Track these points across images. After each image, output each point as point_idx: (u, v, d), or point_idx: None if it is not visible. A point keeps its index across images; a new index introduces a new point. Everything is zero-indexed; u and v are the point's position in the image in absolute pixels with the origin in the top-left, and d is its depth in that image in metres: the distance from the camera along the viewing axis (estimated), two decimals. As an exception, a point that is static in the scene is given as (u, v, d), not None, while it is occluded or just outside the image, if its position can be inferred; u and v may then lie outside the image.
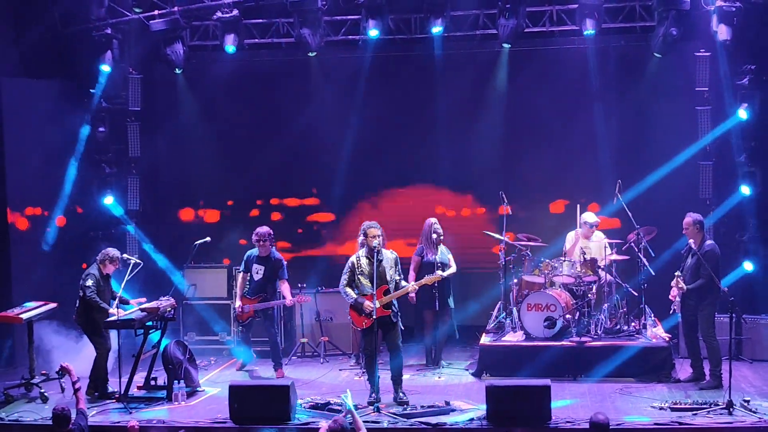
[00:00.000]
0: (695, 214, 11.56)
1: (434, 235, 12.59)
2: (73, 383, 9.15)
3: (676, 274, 11.38)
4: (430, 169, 14.85)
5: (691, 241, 11.40)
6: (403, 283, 11.15)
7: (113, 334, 11.64)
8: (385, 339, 11.12)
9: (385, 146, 14.88)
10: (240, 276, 12.63)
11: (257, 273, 12.48)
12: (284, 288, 12.57)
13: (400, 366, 11.13)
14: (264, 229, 12.51)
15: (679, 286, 11.32)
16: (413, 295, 11.77)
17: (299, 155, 15.01)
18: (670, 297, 11.54)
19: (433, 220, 12.78)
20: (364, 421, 8.95)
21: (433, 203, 14.84)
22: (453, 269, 12.58)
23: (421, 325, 12.88)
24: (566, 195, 14.51)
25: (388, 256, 11.12)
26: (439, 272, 11.86)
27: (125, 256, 12.19)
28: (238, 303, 12.51)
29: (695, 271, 11.36)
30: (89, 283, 11.60)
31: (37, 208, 14.17)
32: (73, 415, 8.83)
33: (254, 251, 12.55)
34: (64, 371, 9.34)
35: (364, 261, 11.08)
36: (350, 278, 11.13)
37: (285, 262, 12.65)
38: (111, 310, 11.43)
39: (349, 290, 11.11)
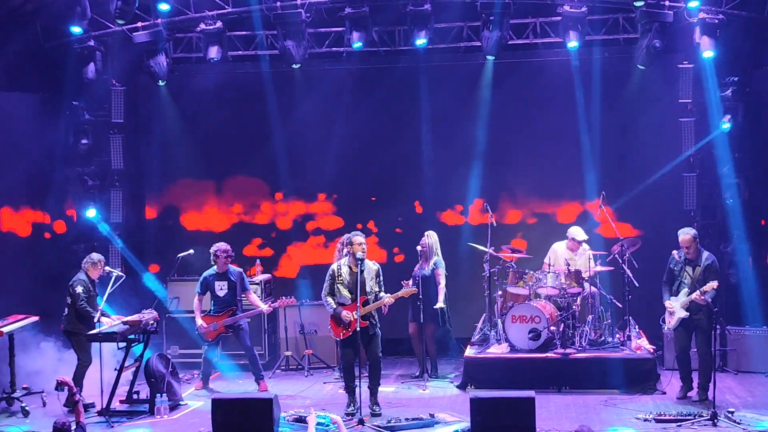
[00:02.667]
0: (690, 229, 11.50)
1: (418, 248, 12.63)
2: (72, 395, 9.02)
3: (704, 288, 11.06)
4: (414, 181, 14.81)
5: (684, 251, 11.33)
6: (381, 294, 11.11)
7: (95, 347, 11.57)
8: (365, 350, 11.07)
9: (369, 158, 14.85)
10: (196, 298, 12.44)
11: (221, 290, 12.38)
12: (253, 298, 12.59)
13: (378, 377, 11.13)
14: (225, 246, 12.41)
15: (702, 298, 11.09)
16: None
17: (282, 168, 14.94)
18: (668, 326, 11.49)
19: (428, 233, 12.77)
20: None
21: (416, 215, 14.79)
22: (440, 285, 12.51)
23: (414, 338, 12.88)
24: (551, 206, 14.49)
25: (370, 266, 11.08)
26: (414, 288, 11.78)
27: (108, 268, 12.15)
28: (200, 322, 12.32)
29: (704, 284, 11.16)
30: (79, 290, 11.56)
31: (19, 221, 14.06)
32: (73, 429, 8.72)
33: (211, 271, 12.43)
34: (62, 385, 9.22)
35: (345, 270, 11.05)
36: (331, 286, 11.09)
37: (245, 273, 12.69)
38: (96, 318, 11.44)
39: (330, 299, 11.09)
